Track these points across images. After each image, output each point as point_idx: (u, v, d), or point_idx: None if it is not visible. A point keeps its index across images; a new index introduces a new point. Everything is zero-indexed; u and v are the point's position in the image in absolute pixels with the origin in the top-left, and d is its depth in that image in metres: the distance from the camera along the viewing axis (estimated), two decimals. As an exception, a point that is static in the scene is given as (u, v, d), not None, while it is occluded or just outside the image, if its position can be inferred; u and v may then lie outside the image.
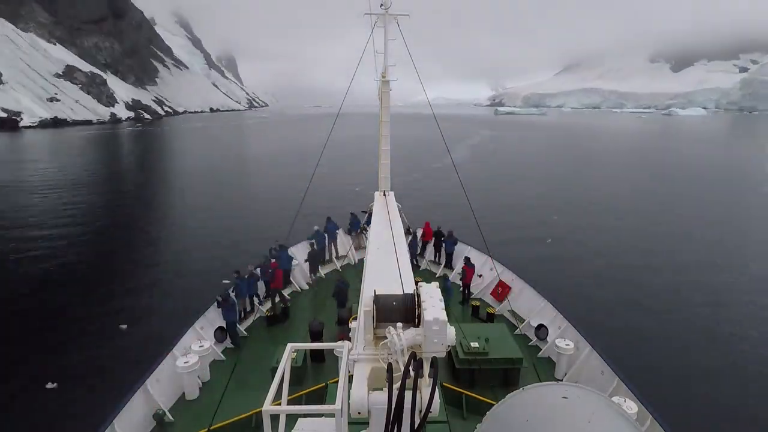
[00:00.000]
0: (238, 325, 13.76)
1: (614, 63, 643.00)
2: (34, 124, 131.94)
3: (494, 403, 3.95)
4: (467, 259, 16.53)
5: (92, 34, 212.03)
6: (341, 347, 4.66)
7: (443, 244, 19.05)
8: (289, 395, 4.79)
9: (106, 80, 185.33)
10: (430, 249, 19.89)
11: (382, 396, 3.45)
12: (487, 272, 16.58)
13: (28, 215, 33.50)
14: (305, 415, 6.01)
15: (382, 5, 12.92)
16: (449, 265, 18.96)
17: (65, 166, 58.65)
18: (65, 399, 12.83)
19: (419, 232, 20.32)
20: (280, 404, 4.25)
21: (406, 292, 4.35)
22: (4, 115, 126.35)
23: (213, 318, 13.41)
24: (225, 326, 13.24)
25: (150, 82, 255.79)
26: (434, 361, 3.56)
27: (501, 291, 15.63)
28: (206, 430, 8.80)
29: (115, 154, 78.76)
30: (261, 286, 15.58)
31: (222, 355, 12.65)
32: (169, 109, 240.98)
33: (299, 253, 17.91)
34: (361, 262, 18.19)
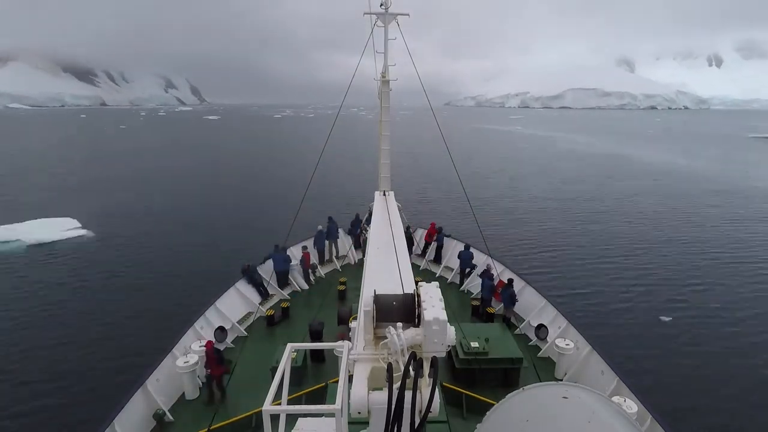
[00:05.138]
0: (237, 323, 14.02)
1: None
2: None
3: (494, 403, 3.95)
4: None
5: None
6: (341, 347, 4.65)
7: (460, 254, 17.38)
8: (289, 395, 4.78)
9: None
10: (429, 250, 19.72)
11: (382, 396, 3.45)
12: None
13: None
14: (305, 415, 6.01)
15: (381, 5, 12.91)
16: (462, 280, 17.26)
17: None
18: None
19: (418, 233, 20.19)
20: (280, 404, 4.25)
21: (406, 292, 4.36)
22: None
23: (213, 318, 13.42)
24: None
25: None
26: (434, 361, 3.55)
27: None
28: (206, 430, 8.80)
29: None
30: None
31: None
32: None
33: (298, 253, 17.91)
34: (361, 262, 18.18)
